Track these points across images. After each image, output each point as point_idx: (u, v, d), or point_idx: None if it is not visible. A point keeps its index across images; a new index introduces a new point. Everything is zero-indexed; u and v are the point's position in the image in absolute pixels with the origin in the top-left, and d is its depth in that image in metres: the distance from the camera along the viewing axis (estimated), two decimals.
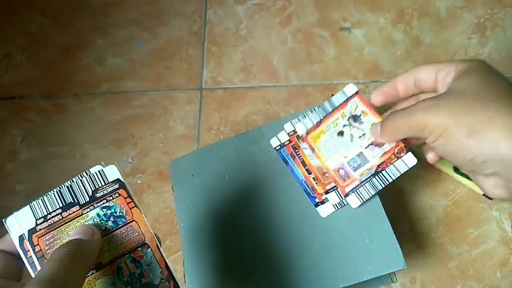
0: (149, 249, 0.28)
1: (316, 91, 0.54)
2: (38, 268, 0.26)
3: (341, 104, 0.37)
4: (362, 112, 0.36)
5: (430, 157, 0.33)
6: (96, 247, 0.26)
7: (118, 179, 0.28)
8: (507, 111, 0.25)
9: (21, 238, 0.26)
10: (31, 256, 0.26)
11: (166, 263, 0.27)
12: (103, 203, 0.28)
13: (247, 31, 0.60)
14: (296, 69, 0.56)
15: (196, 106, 0.55)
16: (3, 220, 0.27)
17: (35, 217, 0.27)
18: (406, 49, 0.56)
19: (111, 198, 0.28)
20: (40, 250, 0.26)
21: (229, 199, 0.41)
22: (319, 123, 0.37)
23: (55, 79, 0.59)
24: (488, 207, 0.46)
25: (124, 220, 0.28)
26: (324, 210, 0.37)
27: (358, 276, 0.35)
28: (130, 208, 0.28)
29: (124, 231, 0.28)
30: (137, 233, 0.28)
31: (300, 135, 0.38)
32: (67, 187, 0.28)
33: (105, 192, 0.28)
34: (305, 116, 0.38)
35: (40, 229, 0.27)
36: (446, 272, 0.44)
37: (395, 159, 0.34)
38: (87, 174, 0.28)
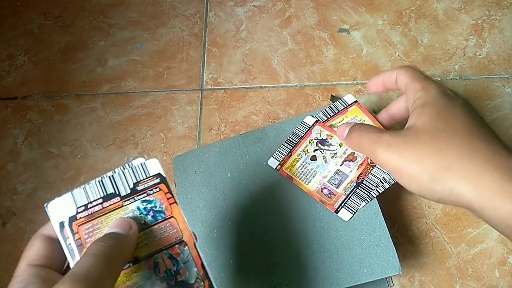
0: (187, 247, 0.27)
1: (315, 92, 0.55)
2: (77, 256, 0.25)
3: (306, 134, 0.40)
4: (327, 135, 0.39)
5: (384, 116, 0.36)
6: (132, 242, 0.25)
7: (159, 173, 0.28)
8: (460, 157, 0.26)
9: (61, 224, 0.26)
10: (70, 244, 0.26)
11: (202, 263, 0.27)
12: (144, 197, 0.27)
13: (247, 32, 0.60)
14: (296, 70, 0.57)
15: (196, 106, 0.56)
16: (44, 205, 0.26)
17: (76, 204, 0.26)
18: (404, 50, 0.57)
19: (152, 192, 0.27)
20: (80, 238, 0.26)
21: (229, 197, 0.41)
22: (289, 154, 0.39)
23: (57, 80, 0.60)
24: None
25: (163, 216, 0.27)
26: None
27: (353, 279, 0.35)
28: (170, 204, 0.27)
29: (162, 226, 0.27)
30: (175, 230, 0.27)
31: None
32: (109, 177, 0.27)
33: (146, 185, 0.27)
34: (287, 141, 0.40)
35: (80, 218, 0.26)
36: (444, 271, 0.44)
37: (371, 168, 0.36)
38: (129, 166, 0.28)
